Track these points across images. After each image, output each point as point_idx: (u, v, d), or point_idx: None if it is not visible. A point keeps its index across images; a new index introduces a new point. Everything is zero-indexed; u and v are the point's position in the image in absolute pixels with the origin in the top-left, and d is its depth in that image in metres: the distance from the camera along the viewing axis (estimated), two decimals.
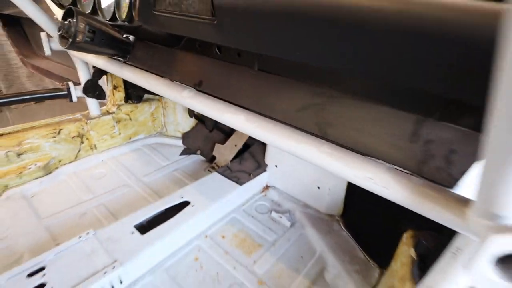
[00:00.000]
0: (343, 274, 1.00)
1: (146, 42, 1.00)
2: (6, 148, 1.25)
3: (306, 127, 0.66)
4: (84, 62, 1.39)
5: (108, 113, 1.55)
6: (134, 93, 1.62)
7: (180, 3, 0.66)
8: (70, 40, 0.90)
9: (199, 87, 0.85)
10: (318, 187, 1.24)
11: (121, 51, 1.03)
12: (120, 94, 1.58)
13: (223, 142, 1.54)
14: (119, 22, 0.94)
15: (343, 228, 1.19)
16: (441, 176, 0.45)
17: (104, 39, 0.94)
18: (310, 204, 1.29)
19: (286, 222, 1.21)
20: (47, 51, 1.28)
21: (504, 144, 0.27)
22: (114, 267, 0.86)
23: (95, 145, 1.52)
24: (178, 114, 1.71)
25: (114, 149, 1.58)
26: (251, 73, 0.76)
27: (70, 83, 1.40)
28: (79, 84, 1.46)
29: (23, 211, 1.18)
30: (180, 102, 0.86)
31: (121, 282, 0.87)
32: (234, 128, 0.75)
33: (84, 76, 1.42)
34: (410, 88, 0.48)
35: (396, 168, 0.51)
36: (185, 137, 1.68)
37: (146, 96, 1.68)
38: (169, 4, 0.67)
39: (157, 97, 1.71)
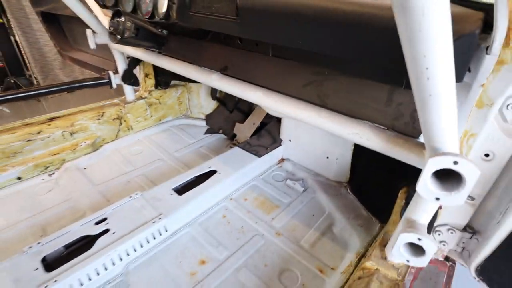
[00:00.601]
0: (348, 227, 1.18)
1: (178, 35, 1.18)
2: (62, 129, 1.50)
3: (309, 98, 0.84)
4: (122, 53, 1.59)
5: (141, 98, 1.77)
6: (162, 80, 1.82)
7: (211, 6, 0.83)
8: (119, 36, 1.10)
9: (225, 71, 1.02)
10: (327, 157, 1.41)
11: (157, 44, 1.22)
12: (151, 81, 1.79)
13: (242, 121, 1.73)
14: (156, 19, 1.12)
15: (349, 192, 1.36)
16: (408, 129, 0.61)
17: (145, 34, 1.13)
18: (320, 173, 1.47)
19: (299, 187, 1.39)
20: (92, 45, 1.48)
21: (421, 102, 0.43)
22: (160, 219, 1.09)
23: (131, 126, 1.75)
24: (201, 97, 1.90)
25: (147, 129, 1.81)
26: (266, 58, 0.93)
27: (110, 72, 1.61)
28: (116, 73, 1.67)
29: (79, 179, 1.42)
30: (209, 84, 1.04)
31: (166, 230, 1.10)
32: (254, 102, 0.93)
33: (121, 66, 1.63)
34: (383, 66, 0.64)
35: (376, 126, 0.67)
36: (208, 118, 1.88)
37: (172, 82, 1.88)
38: (202, 7, 0.85)
39: (182, 83, 1.90)
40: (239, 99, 1.75)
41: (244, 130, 1.68)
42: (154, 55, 1.26)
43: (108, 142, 1.66)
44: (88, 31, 1.48)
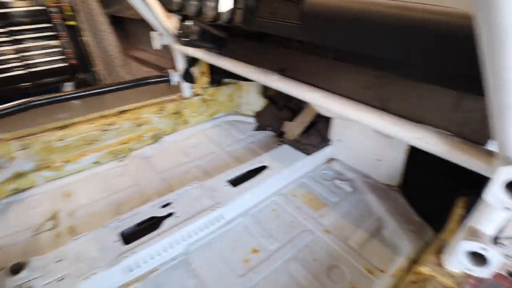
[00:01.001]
0: (399, 231, 1.17)
1: (237, 37, 1.26)
2: (130, 121, 1.68)
3: (369, 101, 0.86)
4: (182, 54, 1.73)
5: (196, 94, 1.90)
6: (216, 78, 1.94)
7: (276, 11, 0.88)
8: (186, 38, 1.21)
9: (283, 72, 1.08)
10: (378, 160, 1.40)
11: (218, 45, 1.31)
12: (206, 79, 1.91)
13: (291, 119, 1.77)
14: (218, 23, 1.21)
15: (401, 196, 1.34)
16: (476, 135, 0.61)
17: (208, 37, 1.23)
18: (369, 175, 1.46)
19: (348, 188, 1.41)
20: (157, 46, 1.64)
21: (499, 110, 0.44)
22: (218, 207, 1.19)
23: (187, 121, 1.89)
24: (252, 95, 1.98)
25: (201, 124, 1.94)
26: (326, 61, 0.96)
27: (170, 71, 1.76)
28: (175, 71, 1.81)
29: (144, 167, 1.59)
30: (268, 84, 1.10)
31: (222, 218, 1.19)
32: (312, 103, 0.97)
33: (181, 65, 1.76)
34: (453, 71, 0.64)
35: (439, 131, 0.68)
36: (258, 115, 1.95)
37: (225, 80, 1.98)
38: (268, 12, 0.91)
39: (234, 81, 2.00)
40: (290, 98, 1.80)
41: (293, 128, 1.72)
42: (214, 55, 1.36)
43: (167, 135, 1.82)
44: (153, 33, 1.63)
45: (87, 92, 1.58)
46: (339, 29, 0.76)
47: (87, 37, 3.57)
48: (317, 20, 0.80)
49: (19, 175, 1.41)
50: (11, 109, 1.36)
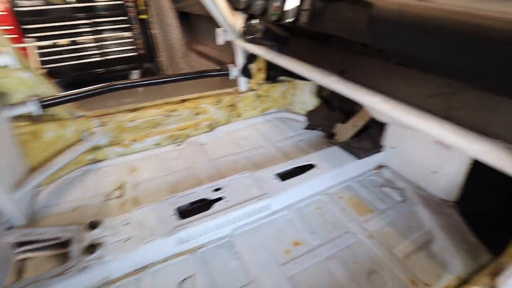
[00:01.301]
0: (450, 249, 1.11)
1: (300, 37, 1.30)
2: (190, 109, 1.82)
3: (433, 109, 0.84)
4: (243, 50, 1.81)
5: (251, 89, 1.98)
6: (272, 75, 2.00)
7: (342, 15, 0.90)
8: (251, 36, 1.28)
9: (343, 74, 1.09)
10: (435, 172, 1.33)
11: (280, 44, 1.36)
12: (262, 75, 1.98)
13: (343, 122, 1.76)
14: (282, 22, 1.26)
15: (456, 213, 1.26)
16: None
17: (271, 35, 1.28)
18: (423, 187, 1.40)
19: (397, 197, 1.36)
20: (221, 41, 1.75)
21: None
22: (266, 197, 1.25)
23: (240, 114, 1.99)
24: (306, 95, 2.00)
25: (253, 118, 2.02)
26: (389, 65, 0.95)
27: (230, 65, 1.86)
28: (234, 66, 1.91)
29: (199, 153, 1.72)
30: (328, 86, 1.12)
31: (269, 208, 1.25)
32: (371, 107, 0.97)
33: (241, 60, 1.86)
34: None
35: (509, 146, 0.65)
36: (309, 114, 1.97)
37: (280, 78, 2.03)
38: (335, 15, 0.93)
39: (289, 79, 2.04)
40: (344, 100, 1.78)
41: (345, 130, 1.71)
42: (275, 53, 1.42)
43: (221, 125, 1.93)
44: (218, 30, 1.74)
45: (157, 80, 1.75)
46: (408, 34, 0.76)
47: (155, 30, 3.91)
48: (385, 25, 0.80)
49: (96, 148, 1.64)
50: (96, 91, 1.57)
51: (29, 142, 1.41)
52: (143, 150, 1.74)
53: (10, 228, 1.13)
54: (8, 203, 1.11)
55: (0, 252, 1.05)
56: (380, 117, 1.34)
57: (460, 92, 0.76)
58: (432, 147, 1.31)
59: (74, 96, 1.48)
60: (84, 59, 3.79)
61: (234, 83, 2.00)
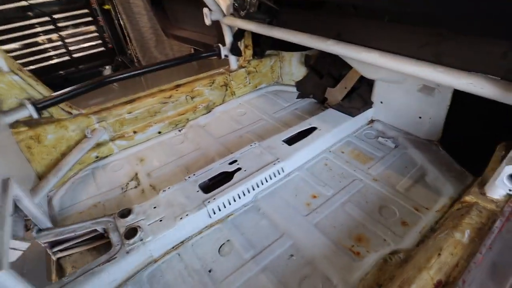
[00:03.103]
0: (440, 177, 1.30)
1: (293, 8, 1.37)
2: (185, 94, 1.86)
3: (424, 57, 0.97)
4: (230, 28, 1.85)
5: (241, 67, 2.04)
6: (259, 51, 2.06)
7: None
8: (244, 12, 1.33)
9: (339, 37, 1.19)
10: (420, 117, 1.50)
11: (271, 17, 1.43)
12: (250, 52, 2.04)
13: (333, 86, 1.88)
14: None
15: (441, 149, 1.45)
16: None
17: (265, 9, 1.35)
18: (411, 132, 1.58)
19: (391, 144, 1.53)
20: (208, 22, 1.77)
21: None
22: (278, 162, 1.36)
23: (234, 92, 2.05)
24: (293, 66, 2.10)
25: (246, 95, 2.10)
26: (382, 24, 1.07)
27: (220, 45, 1.90)
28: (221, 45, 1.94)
29: (202, 134, 1.79)
30: (324, 49, 1.22)
31: (283, 171, 1.37)
32: (370, 63, 1.09)
33: (229, 39, 1.89)
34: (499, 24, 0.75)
35: (489, 76, 0.80)
36: (299, 84, 2.08)
37: (267, 52, 2.10)
38: None
39: (275, 52, 2.11)
40: (331, 65, 1.90)
41: (336, 94, 1.84)
42: (267, 27, 1.48)
43: (217, 105, 1.99)
44: (205, 9, 1.75)
45: (149, 69, 1.75)
46: None
47: (122, 20, 3.74)
48: None
49: (99, 145, 1.65)
50: (89, 87, 1.56)
51: (32, 147, 1.40)
52: (147, 140, 1.77)
53: (41, 230, 1.16)
54: (33, 207, 1.13)
55: (38, 254, 1.09)
56: (370, 75, 1.47)
57: (447, 39, 0.89)
58: (416, 96, 1.48)
59: (69, 94, 1.47)
60: (48, 61, 3.57)
61: (205, 66, 2.04)
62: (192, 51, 4.18)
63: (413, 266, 0.83)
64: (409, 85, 1.46)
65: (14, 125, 1.34)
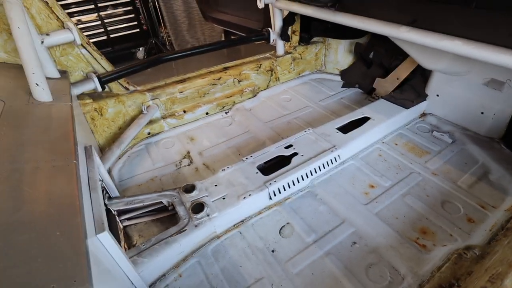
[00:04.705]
0: (506, 176, 1.27)
1: None
2: (233, 76, 1.85)
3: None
4: (281, 12, 1.82)
5: (287, 53, 2.01)
6: (305, 37, 2.02)
7: None
8: None
9: (414, 24, 1.15)
10: (482, 113, 1.46)
11: (334, 1, 1.39)
12: (297, 38, 2.00)
13: (382, 76, 1.84)
14: None
15: (504, 147, 1.41)
16: None
17: None
18: (469, 128, 1.53)
19: (448, 139, 1.50)
20: (261, 5, 1.74)
21: None
22: (335, 149, 1.35)
23: (278, 78, 2.03)
24: (339, 54, 2.05)
25: (290, 81, 2.08)
26: (467, 9, 1.02)
27: (270, 29, 1.87)
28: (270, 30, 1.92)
29: (250, 117, 1.79)
30: (396, 36, 1.19)
31: (339, 157, 1.36)
32: (451, 51, 1.05)
33: (278, 24, 1.87)
34: None
35: None
36: (344, 73, 2.04)
37: (313, 39, 2.06)
38: None
39: (321, 39, 2.07)
40: (383, 55, 1.85)
41: (386, 84, 1.80)
42: (329, 12, 1.45)
43: (262, 90, 1.98)
44: None
45: (196, 51, 1.74)
46: None
47: (157, 3, 3.73)
48: None
49: (151, 122, 1.67)
50: (147, 64, 1.58)
51: (96, 119, 1.44)
52: (195, 120, 1.78)
53: (111, 198, 1.20)
54: (107, 176, 1.17)
55: (110, 219, 1.13)
56: (431, 66, 1.42)
57: None
58: (480, 90, 1.42)
59: (129, 70, 1.49)
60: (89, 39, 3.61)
61: (242, 52, 2.02)
62: (223, 36, 4.17)
63: (500, 262, 0.81)
64: (472, 78, 1.41)
65: (80, 97, 1.37)
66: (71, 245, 0.59)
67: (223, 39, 3.85)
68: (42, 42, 1.18)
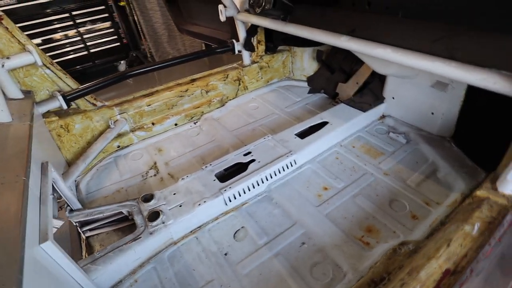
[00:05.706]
0: (452, 173, 1.33)
1: (307, 4, 1.40)
2: (201, 88, 1.92)
3: (438, 53, 1.00)
4: (244, 24, 1.90)
5: (254, 62, 2.08)
6: (271, 46, 2.10)
7: None
8: (259, 8, 1.38)
9: (353, 33, 1.22)
10: (432, 113, 1.52)
11: (286, 13, 1.47)
12: (262, 47, 2.08)
13: (344, 81, 1.91)
14: None
15: (453, 145, 1.47)
16: None
17: (280, 6, 1.39)
18: (423, 128, 1.60)
19: (402, 139, 1.56)
20: (223, 18, 1.82)
21: None
22: (291, 154, 1.41)
23: (246, 86, 2.10)
24: (304, 61, 2.13)
25: (258, 89, 2.15)
26: (396, 19, 1.09)
27: (234, 41, 1.95)
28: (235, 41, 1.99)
29: (217, 127, 1.85)
30: (337, 45, 1.26)
31: (295, 163, 1.42)
32: (384, 58, 1.12)
33: (242, 35, 1.94)
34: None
35: (502, 72, 0.82)
36: (310, 79, 2.11)
37: (279, 48, 2.14)
38: None
39: (287, 48, 2.15)
40: (343, 61, 1.93)
41: (347, 89, 1.87)
42: (281, 23, 1.52)
43: (230, 99, 2.05)
44: (220, 6, 1.81)
45: (166, 63, 1.81)
46: None
47: (136, 16, 3.83)
48: None
49: (120, 135, 1.73)
50: (112, 80, 1.64)
51: (62, 136, 1.50)
52: (164, 131, 1.84)
53: (72, 210, 1.25)
54: (66, 190, 1.22)
55: (70, 231, 1.18)
56: (382, 71, 1.49)
57: (460, 34, 0.92)
58: (429, 92, 1.49)
59: (94, 87, 1.55)
60: (66, 55, 3.70)
61: (215, 61, 2.09)
62: (204, 46, 4.26)
63: (422, 255, 0.87)
64: (421, 81, 1.48)
65: (46, 115, 1.43)
66: (7, 253, 0.64)
67: (204, 48, 3.95)
68: (3, 66, 1.25)
